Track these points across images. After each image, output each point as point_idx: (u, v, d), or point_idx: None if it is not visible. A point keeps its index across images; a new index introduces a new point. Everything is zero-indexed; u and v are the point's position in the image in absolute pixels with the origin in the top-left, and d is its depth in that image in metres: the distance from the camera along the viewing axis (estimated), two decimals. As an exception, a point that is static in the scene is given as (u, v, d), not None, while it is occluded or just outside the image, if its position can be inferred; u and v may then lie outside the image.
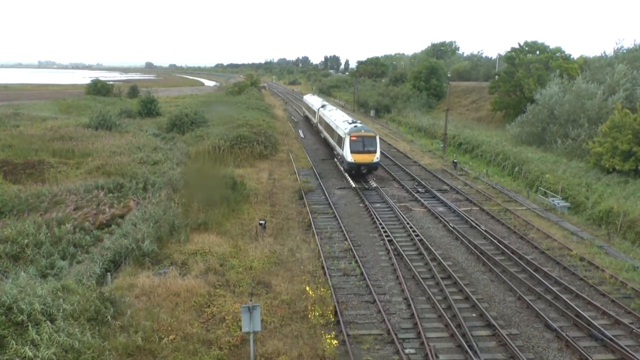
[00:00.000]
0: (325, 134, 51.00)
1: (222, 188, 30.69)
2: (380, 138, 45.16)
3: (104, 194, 30.99)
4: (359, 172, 37.35)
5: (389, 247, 24.62)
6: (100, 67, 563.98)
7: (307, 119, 73.09)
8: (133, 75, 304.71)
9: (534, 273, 21.79)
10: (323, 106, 57.22)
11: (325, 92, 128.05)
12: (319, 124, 57.31)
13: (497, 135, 54.54)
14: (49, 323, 14.00)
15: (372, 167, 37.36)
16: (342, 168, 41.32)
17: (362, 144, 36.71)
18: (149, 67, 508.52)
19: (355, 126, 38.67)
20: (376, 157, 36.87)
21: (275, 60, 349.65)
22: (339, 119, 44.28)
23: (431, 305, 19.13)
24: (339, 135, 40.56)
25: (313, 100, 68.78)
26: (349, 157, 36.87)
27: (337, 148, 41.40)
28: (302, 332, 16.71)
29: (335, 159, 44.42)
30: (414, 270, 21.98)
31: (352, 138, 36.84)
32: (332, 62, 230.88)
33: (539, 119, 49.86)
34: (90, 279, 18.25)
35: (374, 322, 17.97)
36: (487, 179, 39.03)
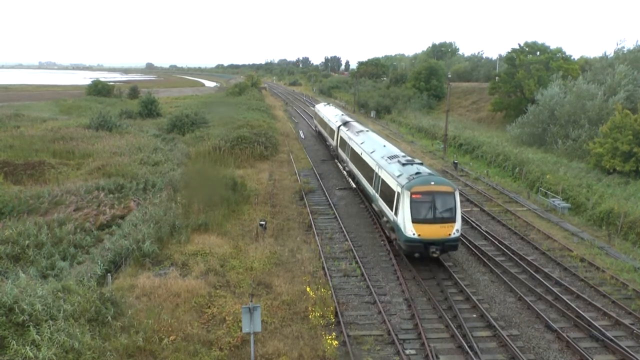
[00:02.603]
0: (355, 171, 33.85)
1: (222, 189, 30.72)
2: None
3: (105, 194, 31.02)
4: (426, 254, 21.71)
5: (390, 248, 24.61)
6: (100, 68, 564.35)
7: (320, 135, 56.53)
8: (133, 76, 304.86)
9: (534, 274, 21.78)
10: (345, 123, 41.21)
11: (325, 93, 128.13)
12: (340, 150, 41.09)
13: (498, 136, 54.52)
14: (50, 323, 14.00)
15: (448, 247, 21.86)
16: (391, 244, 25.30)
17: (431, 206, 21.68)
18: (150, 68, 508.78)
19: (418, 173, 22.73)
20: (455, 229, 21.58)
21: (276, 61, 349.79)
22: (381, 153, 28.29)
23: (432, 306, 19.12)
24: (385, 185, 24.97)
25: (329, 113, 50.57)
26: (409, 230, 21.33)
27: (381, 204, 25.61)
28: (303, 332, 16.70)
29: (380, 225, 27.45)
30: (414, 270, 21.99)
31: (414, 196, 21.55)
32: (332, 62, 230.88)
33: (539, 119, 49.84)
34: (90, 280, 18.25)
35: (375, 322, 17.96)
36: (488, 180, 39.02)
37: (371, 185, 28.34)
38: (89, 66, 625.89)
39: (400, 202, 22.04)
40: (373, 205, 28.90)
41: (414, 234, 21.37)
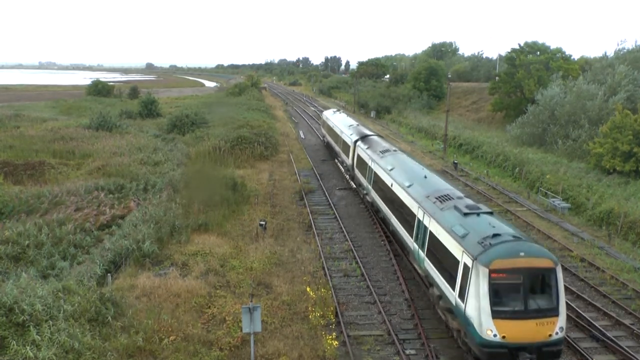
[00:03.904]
0: (381, 205, 25.97)
1: (222, 189, 30.71)
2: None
3: (105, 194, 31.03)
4: None
5: (390, 248, 24.61)
6: (100, 68, 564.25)
7: (329, 147, 48.18)
8: (133, 76, 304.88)
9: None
10: (364, 138, 33.13)
11: (325, 93, 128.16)
12: (357, 171, 32.49)
13: (498, 136, 54.52)
14: (50, 323, 14.01)
15: (548, 354, 14.37)
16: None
17: (522, 291, 14.32)
18: (150, 68, 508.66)
19: (497, 235, 15.02)
20: (559, 327, 14.30)
21: (276, 61, 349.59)
22: (423, 188, 20.62)
23: (432, 307, 19.12)
24: (439, 245, 17.18)
25: (341, 123, 41.69)
26: (487, 328, 14.05)
27: (430, 269, 17.93)
28: (303, 332, 16.71)
29: (435, 304, 18.25)
30: (414, 271, 21.97)
31: (494, 275, 14.17)
32: (332, 62, 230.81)
33: (539, 119, 49.85)
34: (90, 280, 18.28)
35: (375, 322, 17.96)
36: (488, 180, 39.02)
37: (410, 234, 20.49)
38: (89, 66, 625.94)
39: (470, 282, 14.27)
40: (412, 261, 20.89)
41: (495, 335, 13.81)
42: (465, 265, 14.77)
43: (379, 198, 26.37)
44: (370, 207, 30.00)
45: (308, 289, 19.57)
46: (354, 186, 35.26)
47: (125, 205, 29.38)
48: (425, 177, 22.00)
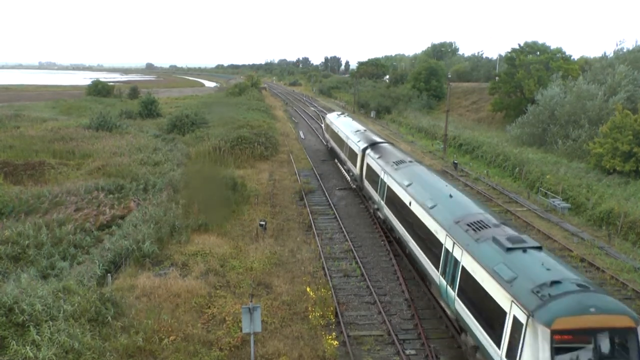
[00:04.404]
0: (397, 226, 22.77)
1: (222, 189, 30.72)
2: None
3: (105, 195, 31.03)
4: None
5: (390, 249, 24.61)
6: (100, 68, 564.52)
7: (332, 152, 45.33)
8: (133, 76, 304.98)
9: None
10: (374, 145, 30.25)
11: (325, 93, 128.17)
12: (366, 183, 29.56)
13: (498, 136, 54.54)
14: (50, 324, 14.02)
15: None
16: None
17: (594, 356, 10.85)
18: (150, 68, 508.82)
19: (557, 283, 11.79)
20: None
21: (276, 61, 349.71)
22: (449, 210, 17.81)
23: (432, 307, 19.12)
24: (476, 286, 14.11)
25: (346, 127, 38.77)
26: None
27: (465, 312, 14.83)
28: (303, 333, 16.71)
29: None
30: (414, 271, 21.98)
31: (558, 338, 10.80)
32: (332, 62, 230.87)
33: (539, 119, 49.86)
34: (90, 280, 18.29)
35: (375, 323, 17.97)
36: (488, 180, 39.03)
37: (434, 265, 17.52)
38: (88, 66, 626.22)
39: (523, 342, 11.32)
40: (437, 296, 18.03)
41: None
42: (516, 320, 11.64)
43: (393, 217, 23.35)
44: (382, 224, 27.02)
45: (308, 289, 19.58)
46: (354, 186, 35.28)
47: (125, 206, 29.38)
48: (451, 196, 18.78)
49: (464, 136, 53.40)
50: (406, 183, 21.84)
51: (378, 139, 32.43)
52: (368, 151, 29.89)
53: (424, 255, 18.77)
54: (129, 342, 14.84)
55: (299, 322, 17.44)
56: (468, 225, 15.80)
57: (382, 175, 25.79)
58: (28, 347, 13.00)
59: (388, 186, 24.31)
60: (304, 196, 33.54)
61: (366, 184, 29.75)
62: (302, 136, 61.14)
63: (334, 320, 17.87)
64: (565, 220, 29.63)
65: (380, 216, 26.62)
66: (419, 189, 20.66)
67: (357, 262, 22.95)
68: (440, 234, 17.03)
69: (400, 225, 22.15)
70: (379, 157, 27.41)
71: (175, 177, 33.47)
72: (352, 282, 21.16)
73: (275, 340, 16.10)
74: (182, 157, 42.19)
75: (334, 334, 16.85)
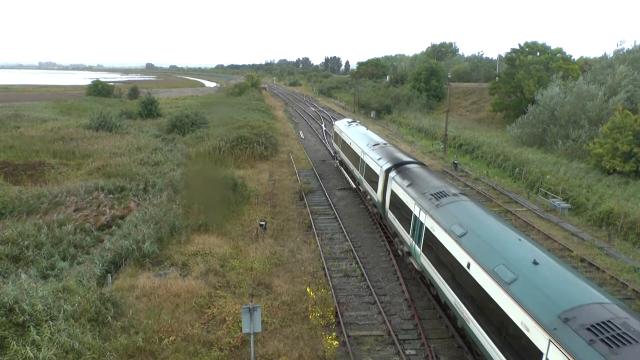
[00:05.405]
0: (450, 296, 15.70)
1: (222, 189, 30.71)
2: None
3: (105, 195, 31.03)
4: None
5: (390, 249, 24.61)
6: (100, 68, 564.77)
7: (342, 166, 39.80)
8: (133, 76, 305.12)
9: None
10: (400, 166, 23.96)
11: (325, 93, 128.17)
12: (391, 215, 23.46)
13: (498, 136, 54.55)
14: (50, 324, 14.02)
15: None
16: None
17: None
18: (150, 68, 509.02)
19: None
20: None
21: (276, 61, 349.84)
22: (572, 310, 10.41)
23: (432, 307, 19.13)
24: None
25: (361, 140, 32.75)
26: None
27: None
28: (303, 333, 16.71)
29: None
30: (414, 271, 21.97)
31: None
32: (332, 63, 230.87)
33: (539, 120, 49.85)
34: (90, 280, 18.27)
35: (375, 323, 17.97)
36: (488, 180, 39.02)
37: None
38: (89, 66, 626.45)
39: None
40: None
41: None
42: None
43: (437, 274, 16.97)
44: (415, 274, 21.21)
45: (308, 289, 19.57)
46: (353, 186, 35.24)
47: (125, 206, 29.39)
48: (536, 262, 12.51)
49: (464, 136, 53.40)
50: (459, 232, 15.43)
51: (405, 157, 25.51)
52: (393, 174, 23.42)
53: (493, 343, 12.57)
54: (129, 342, 14.84)
55: (299, 322, 17.43)
56: (584, 327, 9.91)
57: (416, 211, 19.36)
58: (28, 347, 13.00)
59: (427, 229, 17.93)
60: (304, 196, 33.54)
61: (390, 216, 23.48)
62: (302, 136, 61.15)
63: (334, 320, 17.86)
64: (565, 221, 29.62)
65: (416, 267, 20.08)
66: (482, 243, 14.27)
67: (357, 262, 22.95)
68: (531, 329, 10.76)
69: (449, 287, 15.76)
70: (409, 185, 21.08)
71: (175, 177, 33.46)
72: (352, 282, 21.16)
73: (275, 340, 16.10)
74: (182, 157, 42.21)
75: (334, 334, 16.84)
